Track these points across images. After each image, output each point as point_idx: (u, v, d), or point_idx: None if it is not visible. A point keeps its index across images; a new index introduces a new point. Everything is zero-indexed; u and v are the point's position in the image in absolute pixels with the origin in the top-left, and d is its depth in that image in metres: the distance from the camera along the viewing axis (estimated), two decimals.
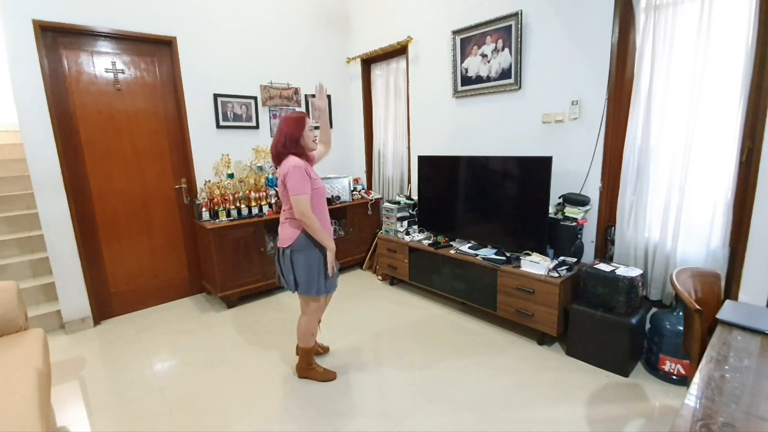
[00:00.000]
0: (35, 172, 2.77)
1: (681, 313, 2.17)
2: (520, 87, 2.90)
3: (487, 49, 3.04)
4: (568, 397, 2.07)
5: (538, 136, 2.86)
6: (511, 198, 2.83)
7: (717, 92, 2.10)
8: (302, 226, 2.02)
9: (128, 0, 3.03)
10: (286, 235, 2.08)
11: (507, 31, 2.88)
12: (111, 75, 3.07)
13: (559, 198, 2.71)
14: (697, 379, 1.15)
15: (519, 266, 2.62)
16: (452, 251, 3.06)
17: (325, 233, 2.05)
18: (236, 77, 3.63)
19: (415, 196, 3.83)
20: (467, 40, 3.17)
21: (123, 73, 3.11)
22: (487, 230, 3.04)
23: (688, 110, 2.19)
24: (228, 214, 3.32)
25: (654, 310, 2.38)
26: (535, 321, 2.52)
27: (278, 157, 2.06)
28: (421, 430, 1.88)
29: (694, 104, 2.15)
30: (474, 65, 3.16)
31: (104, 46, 3.02)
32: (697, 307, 1.46)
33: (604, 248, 2.65)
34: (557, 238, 2.65)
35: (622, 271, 2.28)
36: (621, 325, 2.19)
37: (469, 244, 3.13)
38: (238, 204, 3.38)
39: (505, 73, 2.96)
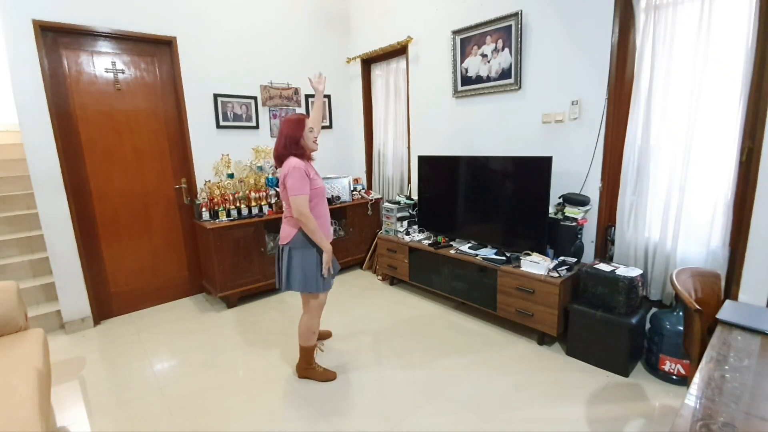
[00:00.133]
0: (35, 172, 2.78)
1: (681, 313, 2.17)
2: (520, 87, 2.90)
3: (487, 49, 3.04)
4: (568, 397, 2.07)
5: (538, 136, 2.86)
6: (511, 198, 2.83)
7: (717, 92, 2.10)
8: (299, 225, 2.06)
9: (128, 0, 3.03)
10: (285, 232, 2.15)
11: (507, 31, 2.88)
12: (111, 75, 3.07)
13: (559, 198, 2.71)
14: (697, 379, 1.15)
15: (519, 266, 2.62)
16: (452, 251, 3.06)
17: (322, 234, 2.09)
18: (236, 77, 3.63)
19: (415, 196, 3.83)
20: (467, 40, 3.16)
21: (123, 73, 3.11)
22: (487, 230, 3.04)
23: (688, 110, 2.19)
24: (228, 214, 3.32)
25: (654, 310, 2.38)
26: (535, 321, 2.52)
27: (280, 159, 2.12)
28: (421, 430, 1.88)
29: (694, 104, 2.15)
30: (474, 65, 3.16)
31: (104, 46, 3.02)
32: (697, 307, 1.46)
33: (604, 248, 2.65)
34: (557, 238, 2.65)
35: (622, 271, 2.28)
36: (621, 325, 2.19)
37: (469, 244, 3.13)
38: (238, 204, 3.38)
39: (505, 73, 2.96)
